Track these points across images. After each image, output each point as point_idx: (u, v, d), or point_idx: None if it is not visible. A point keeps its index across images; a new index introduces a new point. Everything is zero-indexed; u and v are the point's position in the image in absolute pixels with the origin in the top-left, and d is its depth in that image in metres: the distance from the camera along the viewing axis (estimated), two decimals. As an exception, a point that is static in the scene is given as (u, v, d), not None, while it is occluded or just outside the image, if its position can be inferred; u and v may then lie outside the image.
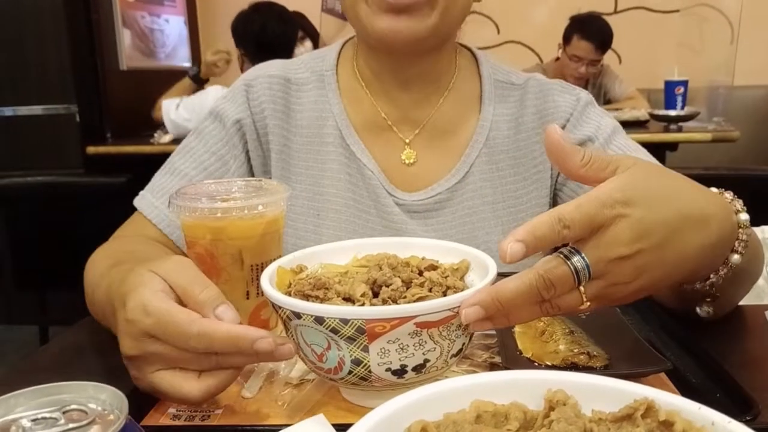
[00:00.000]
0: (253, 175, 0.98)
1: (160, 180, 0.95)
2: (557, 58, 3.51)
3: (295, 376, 0.62)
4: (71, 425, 0.32)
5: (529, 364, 0.63)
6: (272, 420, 0.57)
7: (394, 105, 0.96)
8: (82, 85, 3.32)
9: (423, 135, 0.96)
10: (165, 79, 3.25)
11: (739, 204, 0.63)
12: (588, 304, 0.54)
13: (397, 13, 0.83)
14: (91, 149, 3.08)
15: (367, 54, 0.96)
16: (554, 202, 0.99)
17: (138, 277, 0.57)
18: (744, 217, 0.63)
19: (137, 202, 0.94)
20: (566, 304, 0.53)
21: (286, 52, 2.74)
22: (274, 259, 0.63)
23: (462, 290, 0.56)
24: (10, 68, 3.38)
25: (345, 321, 0.50)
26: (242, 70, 2.76)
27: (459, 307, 0.52)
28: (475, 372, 0.66)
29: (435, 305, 0.51)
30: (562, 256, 0.53)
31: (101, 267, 0.76)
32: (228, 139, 0.95)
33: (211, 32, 4.17)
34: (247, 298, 0.67)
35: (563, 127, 0.96)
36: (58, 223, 2.52)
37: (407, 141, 0.96)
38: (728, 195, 0.64)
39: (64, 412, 0.33)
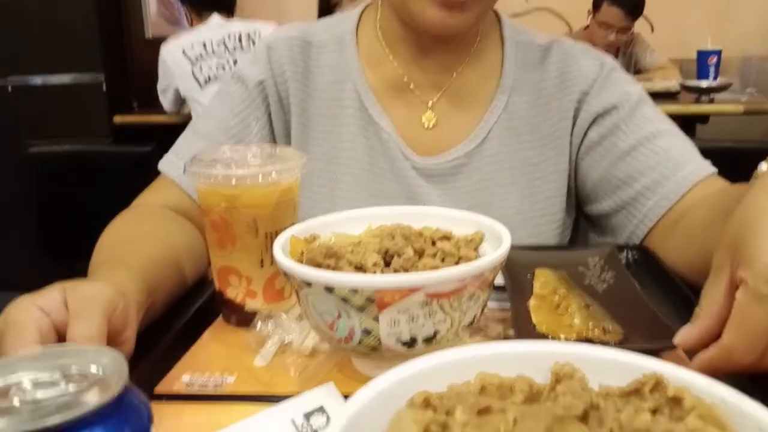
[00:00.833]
0: (274, 138, 0.98)
1: (184, 142, 0.97)
2: (587, 27, 3.42)
3: (308, 346, 0.62)
4: (71, 388, 0.32)
5: (542, 338, 0.62)
6: (284, 389, 0.57)
7: (416, 68, 0.95)
8: (109, 54, 3.32)
9: (444, 98, 0.95)
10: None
11: None
12: None
13: (450, 8, 0.83)
14: (118, 118, 3.10)
15: (395, 22, 0.94)
16: (576, 172, 0.97)
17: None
18: None
19: (161, 164, 0.94)
20: None
21: (229, 6, 2.87)
22: (289, 228, 0.63)
23: (474, 260, 0.55)
24: (38, 37, 3.40)
25: (355, 290, 0.50)
26: (191, 24, 2.91)
27: (469, 278, 0.51)
28: (489, 344, 0.65)
29: (445, 275, 0.50)
30: None
31: (99, 255, 0.74)
32: (250, 101, 0.95)
33: None
34: (262, 266, 0.67)
35: (586, 94, 0.94)
36: (85, 192, 2.55)
37: (429, 104, 0.95)
38: None
39: (64, 376, 0.33)
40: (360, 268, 0.56)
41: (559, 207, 0.96)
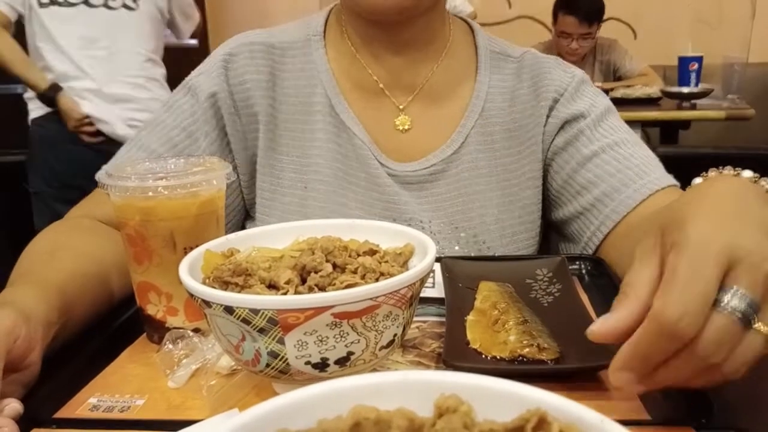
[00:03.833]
0: (230, 152, 0.92)
1: (125, 155, 0.91)
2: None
3: (225, 366, 0.58)
4: None
5: (474, 355, 0.59)
6: (194, 413, 0.54)
7: (386, 69, 0.91)
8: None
9: (418, 100, 0.92)
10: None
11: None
12: None
13: None
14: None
15: (355, 21, 0.91)
16: (545, 176, 0.95)
17: None
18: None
19: (98, 175, 0.90)
20: (744, 356, 0.44)
21: None
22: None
23: (394, 276, 0.52)
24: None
25: (255, 311, 0.46)
26: None
27: (381, 296, 0.48)
28: (421, 363, 0.62)
29: (352, 294, 0.47)
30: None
31: (19, 268, 0.71)
32: (201, 115, 0.89)
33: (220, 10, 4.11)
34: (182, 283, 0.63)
35: (556, 102, 0.92)
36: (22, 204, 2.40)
37: (401, 107, 0.92)
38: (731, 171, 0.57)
39: None
40: (273, 287, 0.53)
41: (536, 215, 0.94)
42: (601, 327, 0.46)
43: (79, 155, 2.26)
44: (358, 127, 0.90)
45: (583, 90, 0.94)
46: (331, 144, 0.90)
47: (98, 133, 2.28)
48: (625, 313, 0.45)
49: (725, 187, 0.51)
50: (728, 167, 0.58)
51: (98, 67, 2.29)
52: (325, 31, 0.94)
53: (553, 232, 1.01)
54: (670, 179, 0.87)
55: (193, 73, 0.93)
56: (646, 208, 0.84)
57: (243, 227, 0.96)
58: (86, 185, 0.80)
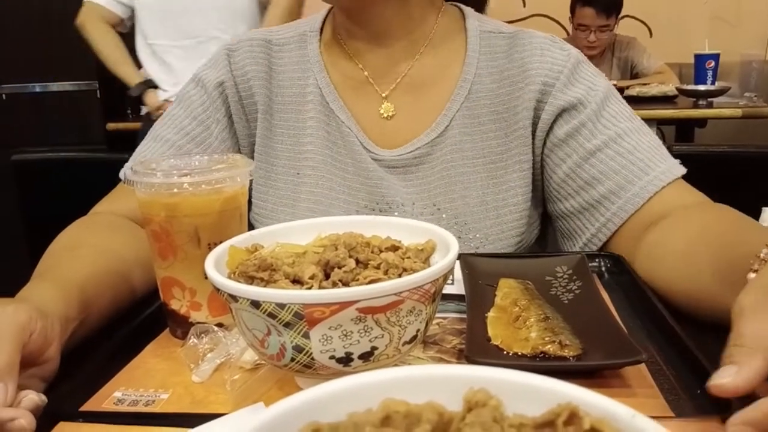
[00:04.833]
0: (237, 140, 0.98)
1: (144, 148, 0.96)
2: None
3: (248, 360, 0.58)
4: None
5: (496, 352, 0.59)
6: (218, 407, 0.54)
7: (371, 60, 0.95)
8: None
9: (401, 89, 0.94)
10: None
11: None
12: None
13: None
14: (111, 125, 3.07)
15: (336, 13, 0.96)
16: (543, 168, 0.94)
17: None
18: None
19: (121, 172, 0.93)
20: None
21: None
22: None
23: (418, 272, 0.52)
24: (33, 45, 3.37)
25: (281, 305, 0.46)
26: None
27: (405, 291, 0.48)
28: (442, 359, 0.62)
29: (377, 289, 0.47)
30: None
31: (42, 265, 0.72)
32: (210, 103, 0.95)
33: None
34: (206, 278, 0.64)
35: (552, 86, 0.90)
36: (78, 199, 2.47)
37: (384, 95, 0.94)
38: None
39: None
40: (297, 282, 0.53)
41: (522, 198, 0.93)
42: (731, 383, 0.43)
43: None
44: (346, 115, 0.93)
45: (580, 72, 0.91)
46: (322, 132, 0.94)
47: None
48: (756, 371, 0.43)
49: None
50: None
51: (180, 62, 2.15)
52: (323, 28, 0.99)
53: (550, 224, 1.01)
54: (675, 170, 0.86)
55: (201, 67, 0.99)
56: (654, 205, 0.84)
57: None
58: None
